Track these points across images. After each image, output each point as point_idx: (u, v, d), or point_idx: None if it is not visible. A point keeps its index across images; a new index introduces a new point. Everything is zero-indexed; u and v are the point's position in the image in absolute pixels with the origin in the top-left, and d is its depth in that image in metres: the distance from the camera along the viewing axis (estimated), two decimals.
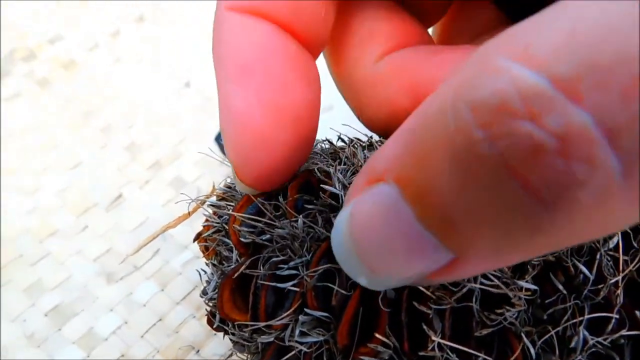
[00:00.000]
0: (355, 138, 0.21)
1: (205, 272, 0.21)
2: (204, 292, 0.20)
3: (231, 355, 0.22)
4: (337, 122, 0.27)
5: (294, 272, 0.17)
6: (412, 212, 0.12)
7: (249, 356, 0.20)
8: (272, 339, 0.17)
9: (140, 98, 0.33)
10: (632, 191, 0.10)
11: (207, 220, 0.20)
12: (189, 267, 0.27)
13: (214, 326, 0.19)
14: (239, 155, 0.16)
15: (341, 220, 0.14)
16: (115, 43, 0.35)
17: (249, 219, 0.18)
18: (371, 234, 0.13)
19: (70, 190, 0.29)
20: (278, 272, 0.17)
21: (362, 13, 0.19)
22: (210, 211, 0.20)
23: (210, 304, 0.19)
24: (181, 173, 0.30)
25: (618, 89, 0.09)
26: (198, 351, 0.25)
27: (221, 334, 0.25)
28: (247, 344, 0.18)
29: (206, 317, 0.20)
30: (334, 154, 0.20)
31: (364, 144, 0.21)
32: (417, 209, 0.12)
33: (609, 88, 0.09)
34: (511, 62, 0.10)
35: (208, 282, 0.20)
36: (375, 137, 0.21)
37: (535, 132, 0.10)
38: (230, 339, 0.19)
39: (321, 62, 0.20)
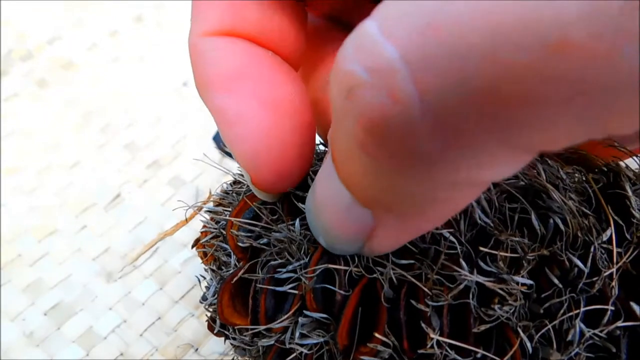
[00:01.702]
0: None
1: (204, 278, 0.21)
2: (204, 298, 0.20)
3: (231, 354, 0.23)
4: None
5: (292, 274, 0.17)
6: (337, 173, 0.13)
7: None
8: (272, 342, 0.17)
9: (138, 98, 0.33)
10: (434, 131, 0.10)
11: (204, 227, 0.20)
12: (187, 266, 0.27)
13: (215, 331, 0.19)
14: (251, 161, 0.16)
15: (311, 186, 0.16)
16: (114, 43, 0.35)
17: (246, 223, 0.18)
18: (322, 195, 0.15)
19: (69, 190, 0.29)
20: (276, 276, 0.17)
21: (319, 38, 0.20)
22: (208, 217, 0.20)
23: (210, 310, 0.20)
24: (180, 172, 0.30)
25: (421, 26, 0.10)
26: (197, 349, 0.25)
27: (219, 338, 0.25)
28: (248, 347, 0.19)
29: (207, 323, 0.20)
30: None
31: None
32: (337, 170, 0.13)
33: (413, 25, 0.10)
34: (368, 20, 0.11)
35: (207, 288, 0.20)
36: None
37: (355, 68, 0.10)
38: (231, 344, 0.19)
39: None
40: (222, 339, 0.24)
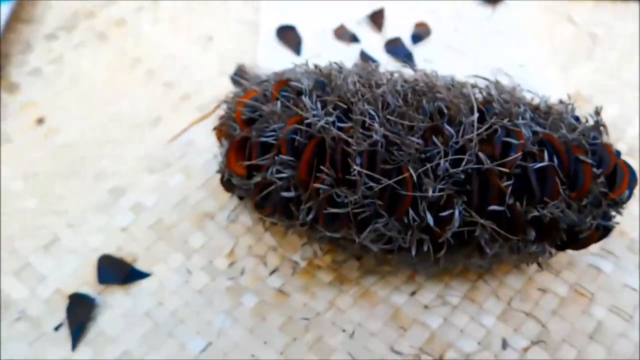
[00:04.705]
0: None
1: (219, 150, 0.31)
2: (218, 169, 0.30)
3: (234, 209, 0.33)
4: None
5: (273, 133, 0.27)
6: None
7: (246, 200, 0.30)
8: (259, 178, 0.27)
9: (174, 48, 0.43)
10: None
11: (222, 114, 0.30)
12: (208, 165, 0.37)
13: (224, 180, 0.29)
14: None
15: None
16: (155, 6, 0.45)
17: (248, 103, 0.28)
18: None
19: (122, 113, 0.40)
20: (263, 134, 0.27)
21: None
22: (223, 110, 0.30)
23: (222, 165, 0.30)
24: (204, 102, 0.40)
25: None
26: (212, 218, 0.35)
27: (229, 208, 0.35)
28: (245, 188, 0.29)
29: (219, 178, 0.30)
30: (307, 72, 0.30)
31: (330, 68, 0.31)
32: None
33: None
34: None
35: (221, 153, 0.30)
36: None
37: None
38: (234, 185, 0.29)
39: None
40: (229, 211, 0.34)
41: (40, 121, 0.39)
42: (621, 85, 0.41)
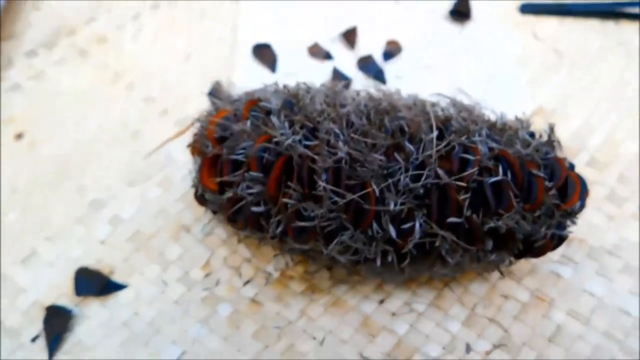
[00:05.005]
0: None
1: (194, 166, 0.32)
2: (192, 184, 0.31)
3: (209, 222, 0.34)
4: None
5: (243, 150, 0.28)
6: None
7: (219, 214, 0.31)
8: (231, 194, 0.29)
9: (154, 65, 0.44)
10: None
11: (195, 132, 0.32)
12: (185, 179, 0.38)
13: (198, 194, 0.31)
14: None
15: None
16: (135, 24, 0.46)
17: (220, 122, 0.29)
18: None
19: (102, 130, 0.41)
20: (234, 153, 0.28)
21: None
22: (197, 129, 0.32)
23: (195, 181, 0.31)
24: (184, 117, 0.41)
25: None
26: (189, 230, 0.36)
27: (205, 220, 0.36)
28: (217, 202, 0.30)
29: (193, 193, 0.31)
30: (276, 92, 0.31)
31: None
32: None
33: None
34: None
35: (195, 169, 0.31)
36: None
37: None
38: (207, 200, 0.30)
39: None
40: (206, 222, 0.35)
41: (19, 136, 0.40)
42: (585, 98, 0.43)
